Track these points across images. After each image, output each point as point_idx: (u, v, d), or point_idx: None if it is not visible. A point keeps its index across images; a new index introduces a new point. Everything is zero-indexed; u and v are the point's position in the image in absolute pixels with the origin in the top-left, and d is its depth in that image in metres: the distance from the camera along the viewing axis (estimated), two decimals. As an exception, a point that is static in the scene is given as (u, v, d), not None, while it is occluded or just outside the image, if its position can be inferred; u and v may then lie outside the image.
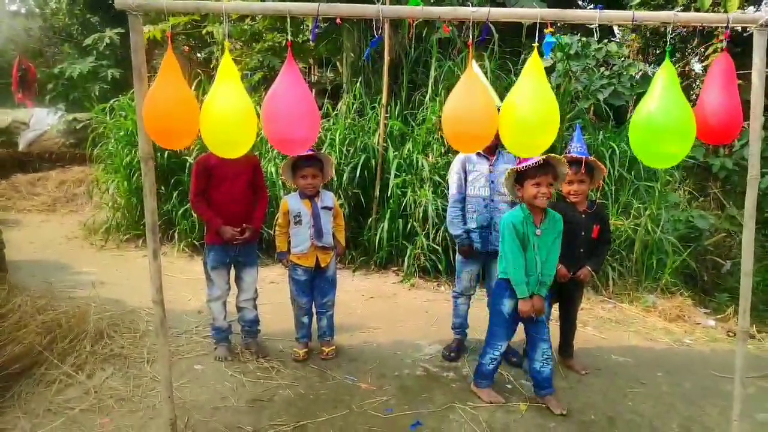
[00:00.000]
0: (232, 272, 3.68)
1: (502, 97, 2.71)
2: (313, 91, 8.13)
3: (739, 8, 5.66)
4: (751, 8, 8.93)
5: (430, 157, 5.75)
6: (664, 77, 2.30)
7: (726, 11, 5.63)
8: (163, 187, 6.24)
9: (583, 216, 3.41)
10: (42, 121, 10.54)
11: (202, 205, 3.52)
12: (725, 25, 2.34)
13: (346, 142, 6.07)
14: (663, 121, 2.24)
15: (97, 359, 3.46)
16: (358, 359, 3.73)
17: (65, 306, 3.92)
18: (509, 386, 3.42)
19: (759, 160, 2.47)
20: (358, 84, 6.59)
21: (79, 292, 4.61)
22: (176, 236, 6.28)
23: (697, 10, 6.09)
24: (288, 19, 2.32)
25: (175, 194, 6.26)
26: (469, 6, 2.37)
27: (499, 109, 2.37)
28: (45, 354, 3.33)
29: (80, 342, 3.54)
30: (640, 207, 5.34)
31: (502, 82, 6.16)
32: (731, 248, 5.91)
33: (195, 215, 5.93)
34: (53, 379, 3.21)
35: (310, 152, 3.43)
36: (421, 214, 5.51)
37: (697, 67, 8.07)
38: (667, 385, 3.51)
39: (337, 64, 7.94)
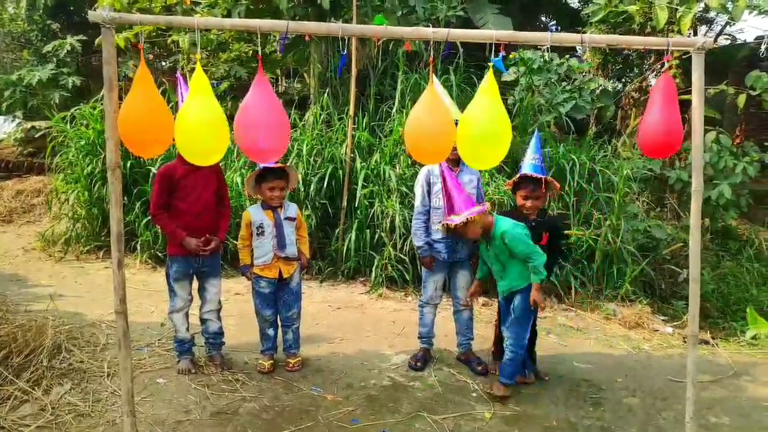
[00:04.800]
0: (195, 283, 3.64)
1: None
2: (281, 101, 8.13)
3: (690, 27, 5.92)
4: (704, 27, 9.35)
5: (398, 168, 5.81)
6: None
7: (680, 29, 5.89)
8: (125, 197, 6.11)
9: (533, 224, 3.49)
10: (-3, 129, 10.22)
11: (163, 217, 3.47)
12: (666, 48, 2.48)
13: (314, 152, 6.07)
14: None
15: (54, 374, 3.36)
16: (324, 370, 3.72)
17: (21, 319, 3.80)
18: (474, 394, 3.47)
19: (701, 174, 2.63)
20: (325, 95, 6.61)
21: (37, 305, 4.47)
22: (138, 247, 6.16)
23: (653, 27, 6.35)
24: (258, 35, 2.38)
25: (138, 204, 6.14)
26: (430, 27, 2.46)
27: (457, 122, 2.51)
28: (-1, 369, 3.22)
29: (37, 356, 3.43)
30: (600, 218, 5.50)
31: (468, 95, 6.28)
32: (687, 257, 6.11)
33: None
34: (8, 395, 3.10)
35: (279, 165, 3.44)
36: (388, 225, 5.54)
37: (654, 83, 8.40)
38: (626, 391, 3.61)
39: (305, 75, 7.95)
